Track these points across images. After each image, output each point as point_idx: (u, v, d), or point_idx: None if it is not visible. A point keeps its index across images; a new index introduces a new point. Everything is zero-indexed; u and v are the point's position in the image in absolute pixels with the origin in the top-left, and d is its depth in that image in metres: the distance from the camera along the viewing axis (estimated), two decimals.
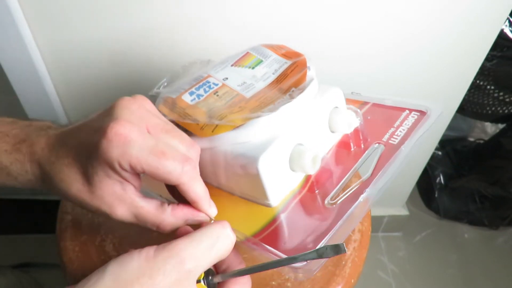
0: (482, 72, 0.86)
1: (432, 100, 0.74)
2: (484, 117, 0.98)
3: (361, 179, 0.32)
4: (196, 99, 0.35)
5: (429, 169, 1.15)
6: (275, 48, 0.40)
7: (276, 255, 0.28)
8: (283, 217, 0.31)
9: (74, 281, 0.39)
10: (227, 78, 0.37)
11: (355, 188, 0.32)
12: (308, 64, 0.37)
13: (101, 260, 0.40)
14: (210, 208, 0.30)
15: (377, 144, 0.36)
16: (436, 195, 1.14)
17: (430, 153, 0.88)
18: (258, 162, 0.30)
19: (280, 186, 0.32)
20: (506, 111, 0.92)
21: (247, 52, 0.40)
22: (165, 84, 0.40)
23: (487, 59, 0.73)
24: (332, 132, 0.37)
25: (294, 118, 0.33)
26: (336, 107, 0.37)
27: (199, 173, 0.28)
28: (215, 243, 0.26)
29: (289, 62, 0.38)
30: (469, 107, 0.95)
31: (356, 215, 0.29)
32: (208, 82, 0.36)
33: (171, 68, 0.40)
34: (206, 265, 0.25)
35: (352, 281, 0.41)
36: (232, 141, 0.32)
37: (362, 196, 0.30)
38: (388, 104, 0.40)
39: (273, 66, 0.38)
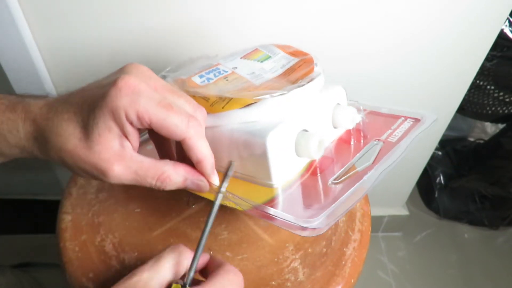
0: (482, 72, 0.86)
1: (432, 100, 0.75)
2: (484, 117, 0.98)
3: (363, 166, 0.34)
4: (206, 81, 0.36)
5: (429, 169, 1.15)
6: (283, 47, 0.42)
7: (285, 219, 0.28)
8: (285, 195, 0.32)
9: (74, 281, 0.39)
10: (236, 68, 0.38)
11: (358, 171, 0.33)
12: (315, 61, 0.39)
13: (101, 260, 0.40)
14: (212, 174, 0.30)
15: (376, 141, 0.37)
16: (436, 195, 1.14)
17: (430, 153, 0.88)
18: (267, 139, 0.30)
19: (284, 168, 0.33)
20: (506, 111, 0.92)
21: (256, 48, 0.41)
22: (178, 69, 0.41)
23: (487, 59, 0.73)
24: (335, 127, 0.38)
25: (303, 104, 0.34)
26: (339, 103, 0.38)
27: (204, 134, 0.28)
28: None
29: (296, 59, 0.39)
30: (469, 107, 0.95)
31: (357, 194, 0.30)
32: (218, 69, 0.38)
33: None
34: None
35: (352, 281, 0.41)
36: (240, 119, 0.33)
37: (366, 176, 0.31)
38: (384, 112, 0.42)
39: (281, 61, 0.39)
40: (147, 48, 0.61)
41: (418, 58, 0.67)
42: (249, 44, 0.43)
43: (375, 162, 0.34)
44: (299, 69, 0.37)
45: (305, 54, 0.40)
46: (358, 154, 0.36)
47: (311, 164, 0.35)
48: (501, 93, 0.89)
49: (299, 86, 0.34)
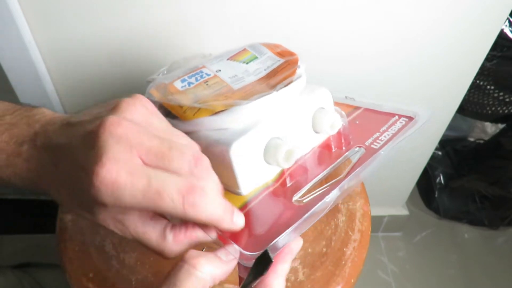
0: (482, 72, 0.86)
1: (432, 100, 0.75)
2: (484, 117, 0.98)
3: (334, 180, 0.33)
4: (187, 86, 0.36)
5: (429, 169, 1.15)
6: (271, 47, 0.41)
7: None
8: (250, 207, 0.31)
9: (74, 281, 0.39)
10: (220, 70, 0.38)
11: (324, 189, 0.32)
12: (299, 63, 0.37)
13: (101, 260, 0.40)
14: (232, 226, 0.26)
15: (357, 148, 0.36)
16: (436, 195, 1.14)
17: (430, 153, 0.88)
18: (230, 149, 0.30)
19: (252, 176, 0.32)
20: (506, 111, 0.92)
21: (244, 48, 0.41)
22: (165, 72, 0.41)
23: (487, 59, 0.73)
24: (316, 132, 0.37)
25: (275, 111, 0.34)
26: (322, 107, 0.37)
27: (210, 193, 0.25)
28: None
29: (281, 60, 0.39)
30: (469, 107, 0.95)
31: (318, 213, 0.30)
32: (202, 72, 0.38)
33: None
34: None
35: (352, 281, 0.41)
36: (210, 126, 0.33)
37: (327, 197, 0.30)
38: (379, 109, 0.41)
39: (266, 63, 0.39)
40: (147, 47, 0.61)
41: (418, 58, 0.67)
42: (245, 43, 0.43)
43: (348, 174, 0.33)
44: (282, 71, 0.37)
45: (292, 54, 0.40)
46: (332, 165, 0.35)
47: (283, 172, 0.34)
48: (501, 93, 0.89)
49: (275, 91, 0.33)
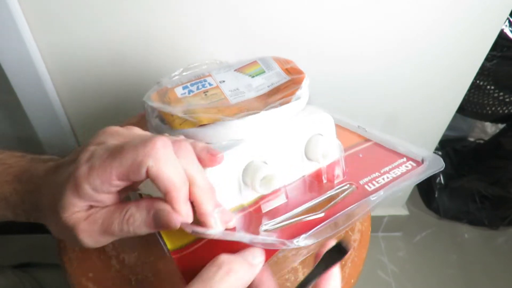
0: (482, 72, 0.86)
1: (432, 100, 0.75)
2: (484, 117, 0.98)
3: (310, 216, 0.30)
4: (186, 94, 0.36)
5: None
6: (281, 62, 0.40)
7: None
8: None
9: (74, 281, 0.39)
10: (224, 81, 0.37)
11: (296, 222, 0.29)
12: (302, 83, 0.35)
13: (101, 260, 0.40)
14: (182, 204, 0.24)
15: (348, 185, 0.33)
16: (436, 195, 1.14)
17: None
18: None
19: (227, 195, 0.30)
20: (506, 111, 0.92)
21: (255, 61, 0.41)
22: (182, 73, 0.41)
23: (487, 59, 0.73)
24: (309, 159, 0.34)
25: (262, 131, 0.32)
26: (319, 134, 0.34)
27: (172, 157, 0.24)
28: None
29: (287, 78, 0.37)
30: (469, 107, 0.95)
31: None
32: (205, 81, 0.37)
33: (172, 70, 0.41)
34: None
35: (352, 281, 0.41)
36: (194, 139, 0.32)
37: (296, 239, 0.26)
38: (389, 147, 0.37)
39: (272, 79, 0.38)
40: (147, 49, 0.61)
41: (418, 58, 0.67)
42: (251, 48, 0.42)
43: (326, 216, 0.29)
44: (284, 90, 0.35)
45: (300, 72, 0.38)
46: (316, 199, 0.32)
47: (262, 197, 0.31)
48: (501, 93, 0.89)
49: (264, 110, 0.32)
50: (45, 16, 0.56)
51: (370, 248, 0.45)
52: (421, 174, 0.33)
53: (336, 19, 0.60)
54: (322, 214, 0.29)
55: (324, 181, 0.34)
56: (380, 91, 0.71)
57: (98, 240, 0.26)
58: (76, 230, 0.26)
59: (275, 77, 0.38)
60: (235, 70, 0.39)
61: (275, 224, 0.29)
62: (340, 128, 0.39)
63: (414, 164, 0.35)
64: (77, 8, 0.55)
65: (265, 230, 0.29)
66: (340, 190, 0.32)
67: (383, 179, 0.33)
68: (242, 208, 0.31)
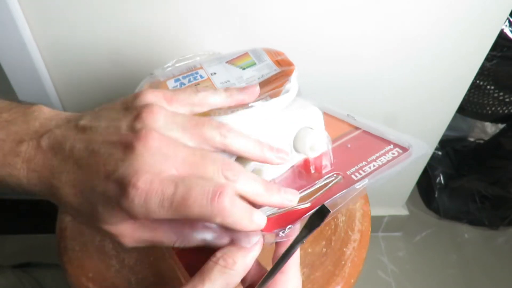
0: (482, 72, 0.86)
1: (432, 100, 0.75)
2: (484, 117, 0.98)
3: (297, 206, 0.30)
4: (178, 86, 0.36)
5: (429, 169, 1.15)
6: (272, 54, 0.40)
7: None
8: None
9: (74, 281, 0.39)
10: (215, 73, 0.38)
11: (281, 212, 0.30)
12: (291, 76, 0.36)
13: (101, 260, 0.40)
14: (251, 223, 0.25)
15: (335, 175, 0.34)
16: (436, 195, 1.14)
17: (430, 153, 0.88)
18: None
19: None
20: (506, 111, 0.93)
21: (246, 53, 0.41)
22: (175, 64, 0.41)
23: (487, 59, 0.73)
24: (297, 151, 0.35)
25: (250, 126, 0.32)
26: (308, 127, 0.34)
27: (239, 200, 0.24)
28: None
29: (278, 70, 0.38)
30: (469, 107, 0.95)
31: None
32: (197, 73, 0.38)
33: (167, 62, 0.41)
34: None
35: (352, 281, 0.41)
36: None
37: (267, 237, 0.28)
38: (377, 134, 0.38)
39: (262, 71, 0.38)
40: (147, 47, 0.61)
41: (418, 58, 0.67)
42: (246, 44, 0.43)
43: (312, 205, 0.30)
44: (273, 82, 0.36)
45: (290, 64, 0.38)
46: (303, 189, 0.32)
47: None
48: (501, 93, 0.89)
49: (250, 105, 0.32)
50: (44, 15, 0.56)
51: (370, 248, 0.45)
52: (406, 159, 0.34)
53: (336, 19, 0.60)
54: (309, 204, 0.30)
55: (312, 171, 0.35)
56: (380, 91, 0.71)
57: (143, 241, 0.26)
58: (119, 237, 0.25)
59: (265, 69, 0.38)
60: (226, 62, 0.40)
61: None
62: (330, 117, 0.40)
63: (401, 151, 0.35)
64: (77, 6, 0.55)
65: None
66: (328, 181, 0.33)
67: (369, 167, 0.34)
68: None
